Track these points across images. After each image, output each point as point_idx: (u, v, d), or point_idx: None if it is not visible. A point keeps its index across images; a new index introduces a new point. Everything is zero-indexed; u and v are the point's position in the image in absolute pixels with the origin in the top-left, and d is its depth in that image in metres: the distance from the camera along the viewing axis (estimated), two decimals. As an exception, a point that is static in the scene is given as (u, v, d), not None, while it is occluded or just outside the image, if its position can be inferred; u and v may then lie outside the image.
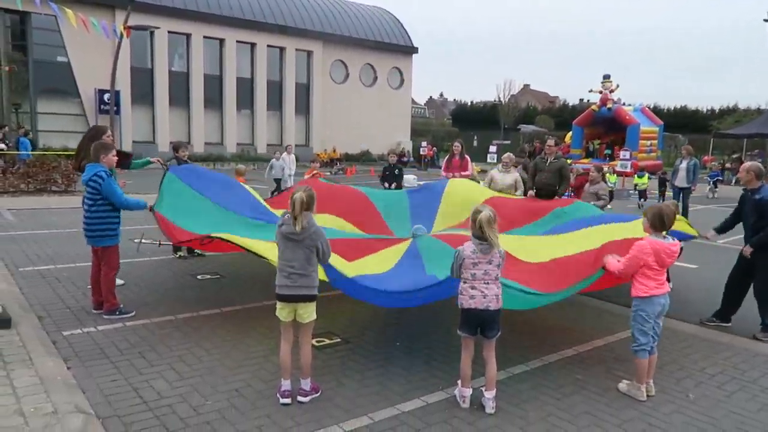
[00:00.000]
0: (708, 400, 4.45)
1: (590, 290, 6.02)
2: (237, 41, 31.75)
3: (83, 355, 4.83)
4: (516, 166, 10.15)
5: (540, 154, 11.39)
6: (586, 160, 27.06)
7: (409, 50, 39.62)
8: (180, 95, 30.51)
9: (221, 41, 31.41)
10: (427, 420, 4.00)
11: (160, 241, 9.08)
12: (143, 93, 29.32)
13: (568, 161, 27.44)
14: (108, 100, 23.77)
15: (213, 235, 5.72)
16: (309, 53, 34.66)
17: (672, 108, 49.63)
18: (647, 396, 4.41)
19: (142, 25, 21.60)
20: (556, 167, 9.59)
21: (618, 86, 30.11)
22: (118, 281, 6.29)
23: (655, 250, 4.30)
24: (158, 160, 7.40)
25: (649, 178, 18.34)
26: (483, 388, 4.20)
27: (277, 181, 15.11)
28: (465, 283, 4.10)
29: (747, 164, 6.18)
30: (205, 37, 30.67)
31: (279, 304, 4.22)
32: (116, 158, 6.09)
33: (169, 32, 29.18)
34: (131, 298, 6.46)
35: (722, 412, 4.27)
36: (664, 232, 4.39)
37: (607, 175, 17.62)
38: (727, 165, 28.61)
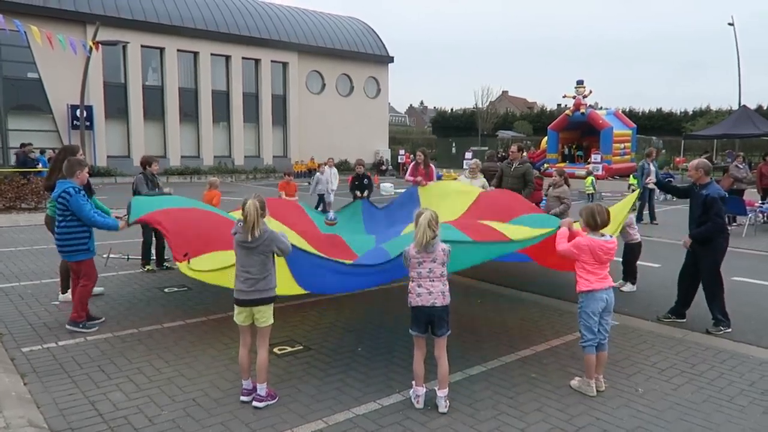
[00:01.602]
0: (655, 394, 4.58)
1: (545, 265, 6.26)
2: (211, 54, 31.68)
3: (41, 371, 4.83)
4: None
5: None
6: (562, 164, 27.50)
7: (385, 60, 39.85)
8: (155, 109, 30.33)
9: (195, 54, 31.32)
10: (381, 422, 4.07)
11: (128, 254, 9.08)
12: (117, 108, 29.09)
13: (545, 165, 27.77)
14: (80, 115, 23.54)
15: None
16: (284, 64, 34.69)
17: (647, 111, 50.30)
18: (597, 391, 4.54)
19: (112, 40, 21.46)
20: (520, 172, 9.83)
21: (591, 92, 30.64)
22: (98, 289, 6.56)
23: (590, 248, 4.47)
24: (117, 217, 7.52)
25: None
26: (436, 388, 4.29)
27: (320, 196, 14.11)
28: (412, 281, 4.26)
29: (695, 162, 6.41)
30: (179, 50, 30.56)
31: (236, 309, 4.36)
32: (89, 175, 6.23)
33: (142, 46, 29.06)
34: (96, 312, 6.45)
35: (667, 404, 4.40)
36: (601, 231, 4.54)
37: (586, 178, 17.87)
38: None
